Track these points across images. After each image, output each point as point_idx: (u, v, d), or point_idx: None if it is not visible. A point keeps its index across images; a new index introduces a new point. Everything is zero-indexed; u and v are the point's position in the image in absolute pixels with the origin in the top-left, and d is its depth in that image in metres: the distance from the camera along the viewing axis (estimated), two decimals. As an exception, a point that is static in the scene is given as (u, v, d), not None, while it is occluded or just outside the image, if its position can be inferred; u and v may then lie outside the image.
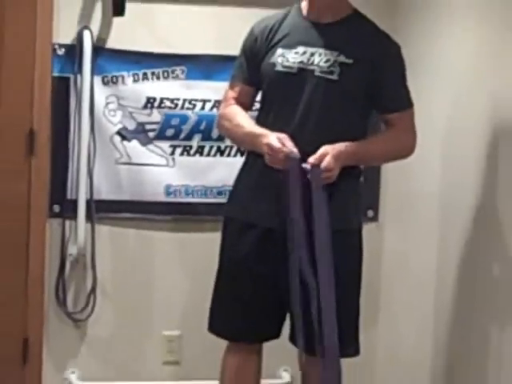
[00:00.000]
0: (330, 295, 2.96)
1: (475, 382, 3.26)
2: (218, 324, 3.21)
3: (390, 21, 3.61)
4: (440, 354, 3.58)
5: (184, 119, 3.90)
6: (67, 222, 3.84)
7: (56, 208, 3.84)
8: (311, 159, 2.92)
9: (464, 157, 3.41)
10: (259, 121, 3.12)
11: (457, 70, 3.52)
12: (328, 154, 2.92)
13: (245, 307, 3.10)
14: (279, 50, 3.07)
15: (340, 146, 2.95)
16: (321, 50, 3.03)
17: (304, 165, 2.93)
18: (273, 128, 2.99)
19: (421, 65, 3.57)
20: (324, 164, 2.90)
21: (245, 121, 3.17)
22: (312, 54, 3.04)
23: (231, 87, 3.25)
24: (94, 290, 3.88)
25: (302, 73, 3.03)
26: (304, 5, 3.12)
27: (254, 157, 3.08)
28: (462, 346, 3.41)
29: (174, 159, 3.91)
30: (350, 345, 3.13)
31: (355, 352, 3.17)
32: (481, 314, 3.25)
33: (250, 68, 3.17)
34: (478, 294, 3.27)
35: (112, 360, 3.97)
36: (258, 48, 3.13)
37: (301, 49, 3.05)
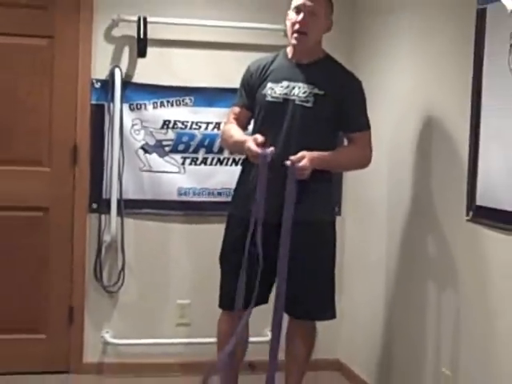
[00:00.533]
0: (284, 267, 3.17)
1: (415, 330, 3.56)
2: (224, 298, 3.44)
3: (349, 60, 3.93)
4: (388, 316, 3.85)
5: (192, 137, 4.23)
6: (103, 216, 4.15)
7: (94, 205, 4.17)
8: (292, 157, 3.15)
9: (404, 166, 3.65)
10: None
11: (398, 98, 3.78)
12: (305, 157, 3.18)
13: (238, 280, 3.28)
14: (269, 84, 3.37)
15: (313, 153, 3.21)
16: (300, 84, 3.33)
17: (286, 162, 3.15)
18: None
19: (372, 94, 3.62)
20: (301, 163, 3.15)
21: (235, 132, 3.40)
22: (293, 87, 3.33)
23: (233, 110, 3.51)
24: (123, 268, 4.19)
25: (286, 102, 3.32)
26: (289, 49, 3.43)
27: (248, 165, 3.35)
28: (404, 312, 3.68)
29: (184, 168, 4.24)
30: (328, 310, 3.43)
31: (332, 316, 3.45)
32: (418, 285, 3.52)
33: (248, 97, 3.45)
34: (416, 269, 3.55)
35: (137, 322, 4.27)
36: (253, 82, 3.44)
37: (285, 83, 3.35)
